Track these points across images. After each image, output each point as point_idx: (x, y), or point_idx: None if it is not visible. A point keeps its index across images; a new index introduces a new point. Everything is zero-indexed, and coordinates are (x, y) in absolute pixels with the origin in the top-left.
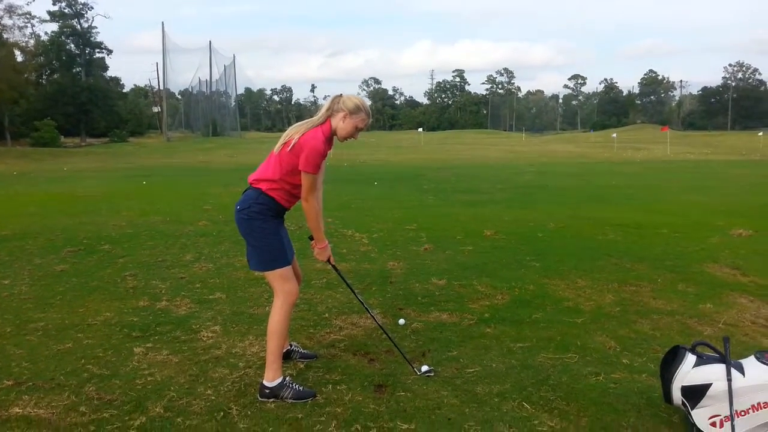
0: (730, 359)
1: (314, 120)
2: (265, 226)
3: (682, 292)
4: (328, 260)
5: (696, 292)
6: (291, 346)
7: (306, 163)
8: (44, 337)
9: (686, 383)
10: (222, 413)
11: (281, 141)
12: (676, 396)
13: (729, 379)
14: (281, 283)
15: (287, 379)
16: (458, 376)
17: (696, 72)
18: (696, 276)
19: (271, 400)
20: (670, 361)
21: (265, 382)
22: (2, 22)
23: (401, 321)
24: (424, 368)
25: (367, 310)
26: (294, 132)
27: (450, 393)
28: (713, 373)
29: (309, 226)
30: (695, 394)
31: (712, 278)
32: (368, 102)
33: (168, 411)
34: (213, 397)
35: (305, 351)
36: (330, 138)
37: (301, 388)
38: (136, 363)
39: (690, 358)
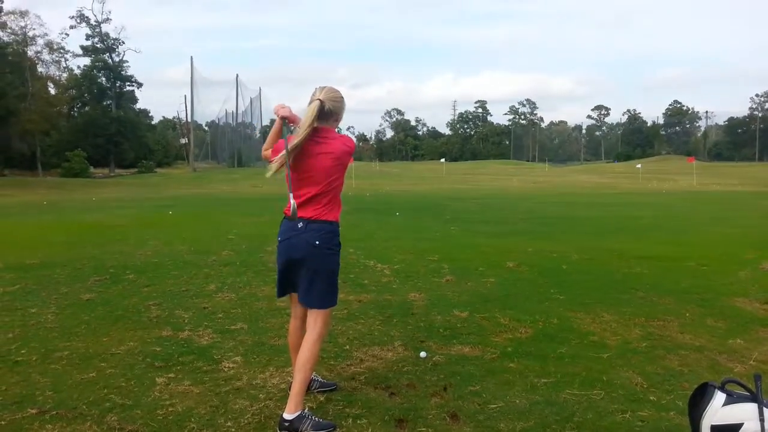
0: (762, 398)
1: (304, 133)
2: (339, 261)
3: (710, 327)
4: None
5: (725, 327)
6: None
7: (352, 153)
8: (68, 366)
9: (716, 422)
10: None
11: (293, 155)
12: None
13: (762, 419)
14: (329, 316)
15: (306, 411)
16: (481, 412)
17: (722, 102)
18: (725, 310)
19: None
20: (699, 399)
21: (285, 415)
22: (41, 57)
23: (423, 354)
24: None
25: None
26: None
27: (472, 429)
28: (744, 413)
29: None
30: None
31: (741, 313)
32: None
33: None
34: (233, 430)
35: (325, 381)
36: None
37: (320, 420)
38: (158, 393)
39: (719, 396)
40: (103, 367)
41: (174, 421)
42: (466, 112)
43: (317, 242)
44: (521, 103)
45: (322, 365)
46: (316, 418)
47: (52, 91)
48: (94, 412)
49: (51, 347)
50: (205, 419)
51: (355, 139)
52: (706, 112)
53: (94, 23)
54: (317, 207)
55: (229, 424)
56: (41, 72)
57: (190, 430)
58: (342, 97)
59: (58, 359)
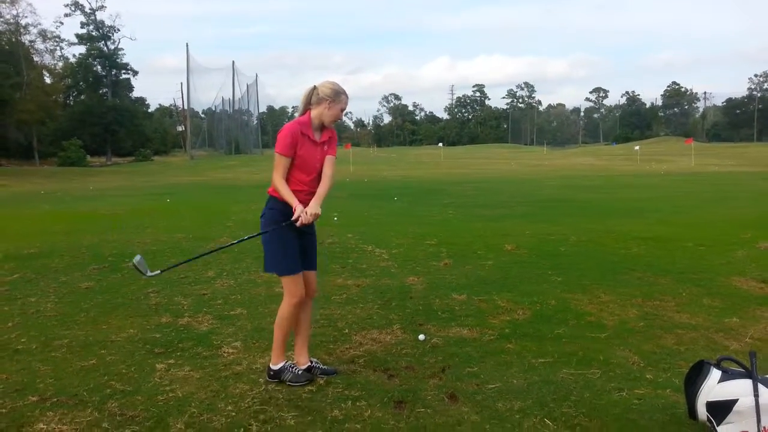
0: (757, 374)
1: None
2: (275, 231)
3: (707, 306)
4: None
5: (722, 306)
6: (311, 362)
7: (276, 144)
8: (69, 354)
9: (711, 399)
10: (242, 429)
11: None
12: (701, 412)
13: (756, 395)
14: (287, 284)
15: (288, 363)
16: (479, 392)
17: (720, 83)
18: (721, 290)
19: (275, 380)
20: (695, 377)
21: (270, 365)
22: (35, 46)
23: (421, 336)
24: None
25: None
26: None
27: (471, 409)
28: (739, 389)
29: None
30: (721, 410)
31: (738, 292)
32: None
33: (189, 427)
34: (233, 414)
35: (325, 367)
36: (309, 124)
37: (299, 371)
38: (158, 379)
39: (715, 374)
40: (103, 354)
41: (174, 406)
42: (463, 96)
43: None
44: (519, 87)
45: (321, 349)
46: (297, 371)
47: (48, 80)
48: (94, 399)
49: (51, 335)
50: (206, 404)
51: (287, 127)
52: (705, 93)
53: (88, 11)
54: None
55: (229, 408)
56: (36, 61)
57: (190, 415)
58: (336, 92)
59: (59, 347)
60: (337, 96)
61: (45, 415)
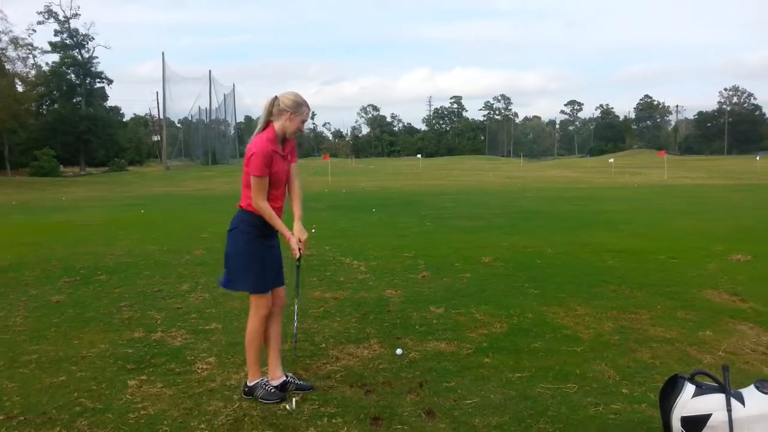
0: (729, 389)
1: (258, 130)
2: (249, 246)
3: (681, 319)
4: (295, 256)
5: (695, 319)
6: (287, 377)
7: (253, 167)
8: (37, 370)
9: (686, 414)
10: None
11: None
12: (676, 427)
13: (729, 410)
14: (257, 299)
15: (263, 380)
16: (456, 408)
17: (692, 97)
18: (695, 302)
19: (249, 397)
20: (669, 391)
21: (247, 382)
22: (6, 53)
23: (399, 351)
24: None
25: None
26: (246, 150)
27: (447, 426)
28: (713, 403)
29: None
30: (695, 424)
31: (711, 305)
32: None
33: None
34: None
35: (301, 382)
36: (276, 139)
37: (272, 390)
38: (129, 396)
39: (689, 388)
40: (73, 370)
41: (146, 425)
42: (441, 107)
43: (229, 228)
44: (496, 99)
45: (297, 364)
46: (270, 388)
47: (20, 89)
48: (63, 417)
49: (19, 351)
50: (178, 422)
51: (257, 145)
52: (677, 106)
53: (62, 19)
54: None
55: (202, 426)
56: (8, 69)
57: None
58: (297, 103)
59: (27, 363)
60: (299, 108)
61: None
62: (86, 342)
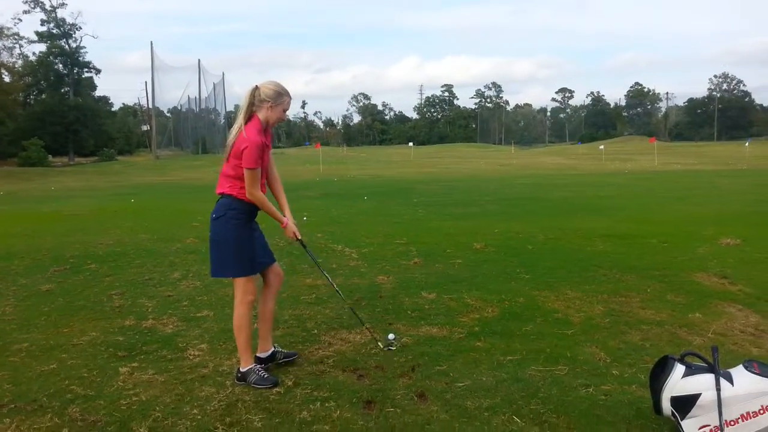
0: (719, 369)
1: (240, 120)
2: (239, 232)
3: (671, 302)
4: (296, 236)
5: (685, 301)
6: (274, 347)
7: (247, 160)
8: (28, 358)
9: (675, 394)
10: None
11: (227, 150)
12: (666, 407)
13: (718, 389)
14: (243, 284)
15: (256, 366)
16: (448, 391)
17: (682, 84)
18: (685, 286)
19: (242, 383)
20: (660, 372)
21: (240, 368)
22: None
23: (391, 336)
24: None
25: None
26: (231, 139)
27: (440, 408)
28: (702, 383)
29: (265, 212)
30: (685, 404)
31: (700, 288)
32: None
33: None
34: (199, 417)
35: (287, 351)
36: (262, 130)
37: (265, 375)
38: (121, 383)
39: (679, 369)
40: (64, 358)
41: (138, 411)
42: (432, 96)
43: (213, 215)
44: (487, 87)
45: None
46: (263, 373)
47: (6, 79)
48: (54, 404)
49: (9, 339)
50: (170, 408)
51: (250, 134)
52: (667, 93)
53: (49, 8)
54: (220, 184)
55: (195, 411)
56: None
57: (154, 419)
58: (278, 93)
59: (17, 351)
60: (279, 97)
61: (1, 422)
62: (77, 330)
